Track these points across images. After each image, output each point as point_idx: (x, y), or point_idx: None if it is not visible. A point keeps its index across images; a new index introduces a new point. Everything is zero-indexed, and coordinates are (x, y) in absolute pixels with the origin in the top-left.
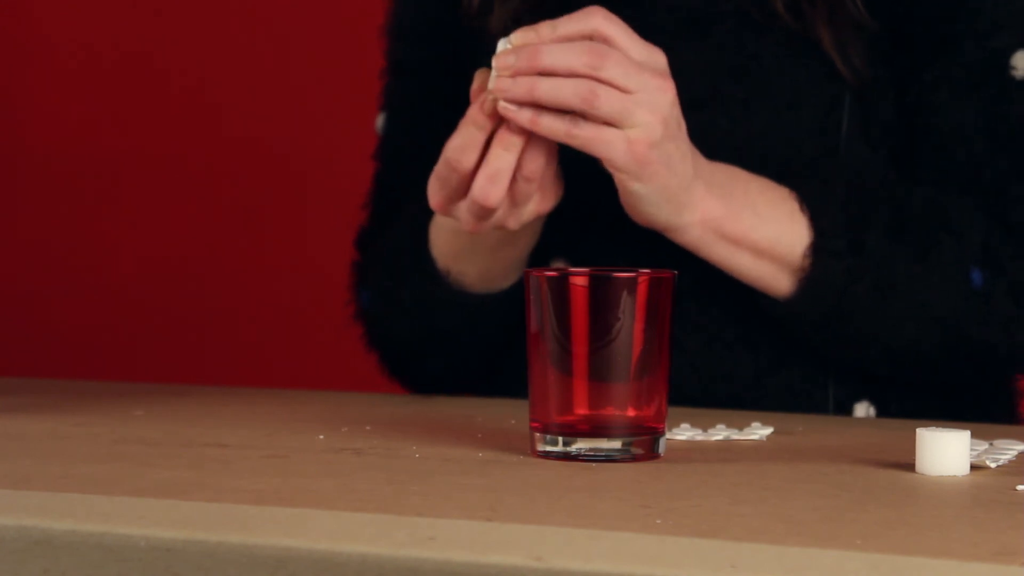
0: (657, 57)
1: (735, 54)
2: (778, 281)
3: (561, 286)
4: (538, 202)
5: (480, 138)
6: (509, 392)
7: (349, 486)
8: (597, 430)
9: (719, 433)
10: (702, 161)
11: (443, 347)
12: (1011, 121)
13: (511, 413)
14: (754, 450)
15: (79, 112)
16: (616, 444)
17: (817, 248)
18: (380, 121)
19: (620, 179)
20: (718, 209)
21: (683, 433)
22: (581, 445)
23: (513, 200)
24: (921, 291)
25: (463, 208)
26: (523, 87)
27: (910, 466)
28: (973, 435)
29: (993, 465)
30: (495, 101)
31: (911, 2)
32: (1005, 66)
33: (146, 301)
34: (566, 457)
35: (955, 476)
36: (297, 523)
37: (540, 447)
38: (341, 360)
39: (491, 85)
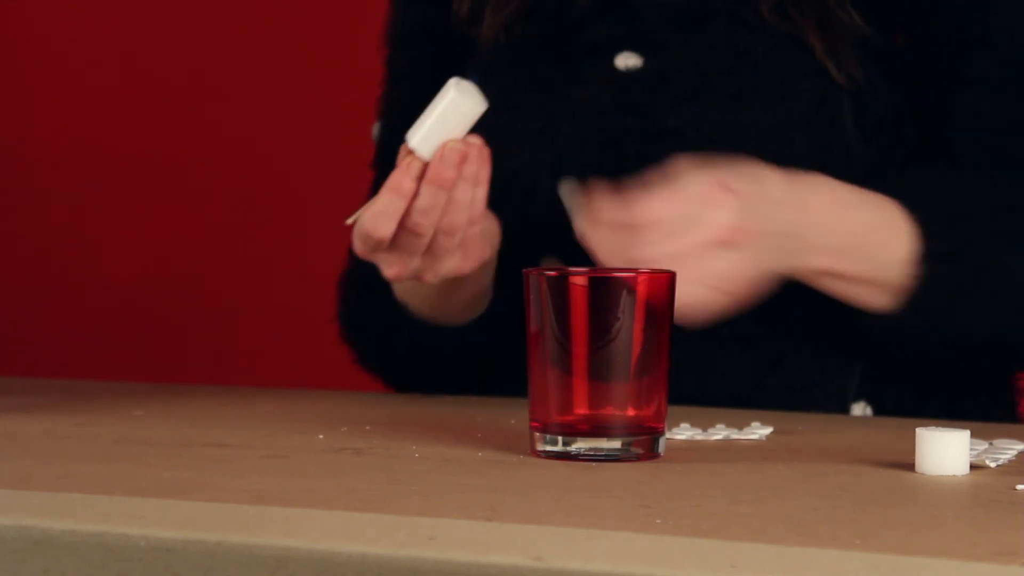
0: (714, 214)
1: (726, 50)
2: (887, 297)
3: (561, 286)
4: (459, 260)
5: (400, 207)
6: (509, 392)
7: (349, 486)
8: (597, 430)
9: (719, 433)
10: (805, 198)
11: (414, 367)
12: None
13: (511, 413)
14: (754, 450)
15: (79, 113)
16: (616, 444)
17: (927, 255)
18: (376, 130)
19: None
20: (827, 254)
21: (683, 433)
22: (581, 445)
23: (433, 253)
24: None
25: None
26: None
27: (910, 466)
28: (973, 435)
29: (993, 465)
30: (422, 163)
31: (934, 3)
32: None
33: (146, 301)
34: (566, 457)
35: (955, 476)
36: (297, 523)
37: (540, 447)
38: (341, 360)
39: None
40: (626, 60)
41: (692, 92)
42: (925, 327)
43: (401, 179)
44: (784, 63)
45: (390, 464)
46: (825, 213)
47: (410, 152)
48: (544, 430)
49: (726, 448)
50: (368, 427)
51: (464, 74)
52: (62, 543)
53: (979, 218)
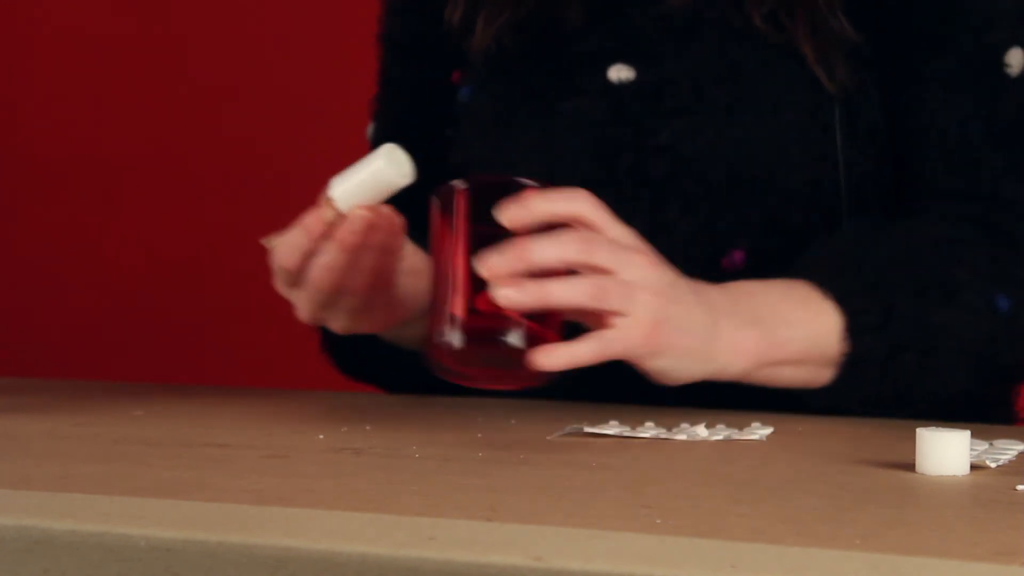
0: (634, 236)
1: (718, 61)
2: (821, 375)
3: (447, 198)
4: (366, 323)
5: (304, 244)
6: (509, 392)
7: (349, 486)
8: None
9: (719, 433)
10: (717, 297)
11: (388, 379)
12: (1005, 119)
13: (511, 413)
14: (754, 450)
15: (79, 113)
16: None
17: (852, 330)
18: (370, 131)
19: (641, 363)
20: (752, 340)
21: (682, 433)
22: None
23: (337, 308)
24: (958, 337)
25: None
26: (534, 296)
27: (910, 466)
28: (973, 435)
29: (993, 465)
30: (337, 213)
31: (904, 2)
32: (999, 63)
33: (146, 301)
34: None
35: (955, 476)
36: (297, 523)
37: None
38: None
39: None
40: (619, 73)
41: (685, 105)
42: (865, 397)
43: (312, 219)
44: (776, 74)
45: (390, 464)
46: (743, 295)
47: (330, 199)
48: (447, 334)
49: (726, 448)
50: (368, 427)
51: (397, 149)
52: (62, 543)
53: (898, 281)
